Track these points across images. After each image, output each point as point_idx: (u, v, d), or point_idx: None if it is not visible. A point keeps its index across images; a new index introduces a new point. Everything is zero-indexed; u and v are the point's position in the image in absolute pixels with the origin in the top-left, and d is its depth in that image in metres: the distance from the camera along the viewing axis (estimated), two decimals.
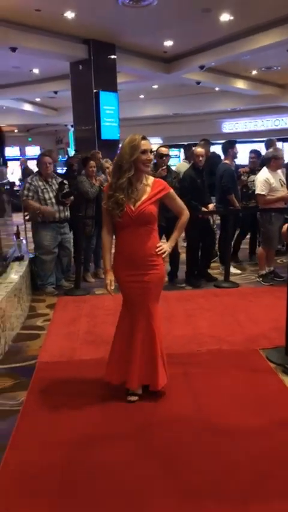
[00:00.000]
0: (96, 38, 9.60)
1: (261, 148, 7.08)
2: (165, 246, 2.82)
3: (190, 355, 3.53)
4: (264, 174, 5.39)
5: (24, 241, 6.17)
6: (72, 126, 13.04)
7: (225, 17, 8.36)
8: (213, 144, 7.86)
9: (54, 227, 5.31)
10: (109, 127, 10.35)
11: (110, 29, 9.03)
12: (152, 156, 2.76)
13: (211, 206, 5.53)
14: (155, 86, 14.40)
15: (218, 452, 2.35)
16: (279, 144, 6.75)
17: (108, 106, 10.32)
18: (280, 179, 5.39)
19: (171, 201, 2.85)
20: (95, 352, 3.61)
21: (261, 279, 5.60)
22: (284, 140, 16.38)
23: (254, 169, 6.45)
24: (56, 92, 13.77)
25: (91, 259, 5.99)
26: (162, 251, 2.78)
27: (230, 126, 18.81)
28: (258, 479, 2.15)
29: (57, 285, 5.50)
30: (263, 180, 5.32)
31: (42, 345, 3.82)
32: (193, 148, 7.73)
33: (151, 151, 2.75)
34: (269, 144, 6.82)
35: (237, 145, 6.15)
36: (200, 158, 5.36)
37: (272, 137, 8.93)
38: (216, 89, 14.57)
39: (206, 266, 5.84)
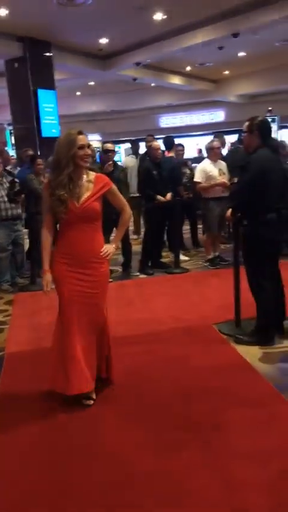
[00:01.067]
0: (32, 36, 9.57)
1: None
2: (109, 247, 2.78)
3: (150, 334, 3.80)
4: (202, 164, 5.88)
5: None
6: (8, 124, 12.84)
7: (158, 15, 8.69)
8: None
9: (8, 225, 5.36)
10: (49, 125, 10.36)
11: (45, 26, 9.04)
12: (89, 151, 2.68)
13: (168, 196, 5.86)
14: (91, 83, 14.50)
15: (172, 406, 2.68)
16: (211, 137, 7.21)
17: (47, 104, 10.32)
18: (220, 169, 5.80)
19: (113, 196, 2.81)
20: None
21: (208, 263, 5.99)
22: (217, 133, 17.06)
23: (181, 162, 6.99)
24: None
25: None
26: (107, 254, 2.75)
27: (167, 121, 19.28)
28: (213, 428, 2.46)
29: (12, 282, 5.55)
30: (200, 169, 5.81)
31: (7, 337, 3.93)
32: (139, 144, 8.11)
33: (89, 146, 2.69)
34: (217, 138, 7.28)
35: (177, 140, 6.62)
36: (159, 151, 5.84)
37: (208, 131, 9.43)
38: (152, 84, 14.92)
39: (159, 256, 6.15)
